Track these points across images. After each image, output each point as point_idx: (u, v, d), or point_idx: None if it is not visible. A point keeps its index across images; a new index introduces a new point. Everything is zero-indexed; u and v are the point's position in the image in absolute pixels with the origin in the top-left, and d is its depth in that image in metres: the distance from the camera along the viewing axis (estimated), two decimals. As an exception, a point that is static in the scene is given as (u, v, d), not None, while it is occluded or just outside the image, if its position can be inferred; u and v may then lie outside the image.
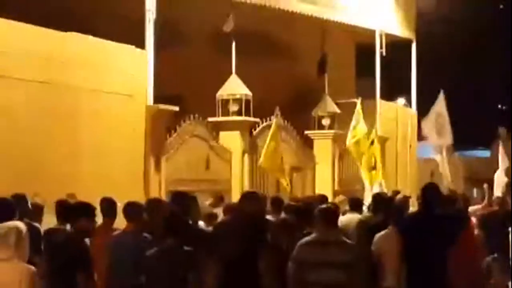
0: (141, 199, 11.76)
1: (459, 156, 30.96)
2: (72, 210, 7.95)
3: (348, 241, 7.73)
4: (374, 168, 17.41)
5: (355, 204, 10.82)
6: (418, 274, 8.16)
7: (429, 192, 8.82)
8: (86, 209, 7.65)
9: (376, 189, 16.28)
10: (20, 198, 8.71)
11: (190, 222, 8.21)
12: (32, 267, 5.68)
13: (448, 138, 18.96)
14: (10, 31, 12.64)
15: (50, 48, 13.30)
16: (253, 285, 7.53)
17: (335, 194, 17.47)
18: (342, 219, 9.55)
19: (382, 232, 8.53)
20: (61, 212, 8.82)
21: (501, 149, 19.45)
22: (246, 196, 8.58)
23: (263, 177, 17.80)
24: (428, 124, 18.78)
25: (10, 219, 6.56)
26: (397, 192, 13.96)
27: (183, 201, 8.50)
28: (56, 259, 6.43)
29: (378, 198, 10.80)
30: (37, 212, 9.22)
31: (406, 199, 11.71)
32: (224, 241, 7.80)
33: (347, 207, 10.81)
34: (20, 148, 11.89)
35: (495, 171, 19.24)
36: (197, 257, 7.33)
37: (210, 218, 9.91)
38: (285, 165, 17.40)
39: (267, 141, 16.53)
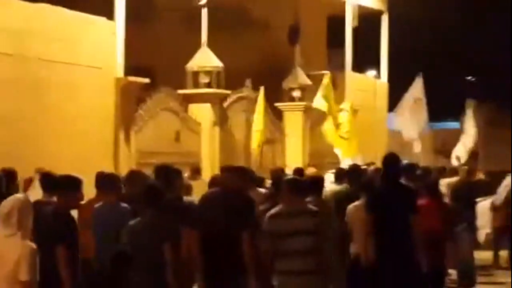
0: (111, 170, 11.91)
1: (430, 128, 31.32)
2: (59, 183, 8.02)
3: (313, 210, 7.78)
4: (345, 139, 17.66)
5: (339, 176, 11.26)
6: (384, 242, 8.48)
7: (389, 163, 9.08)
8: (73, 182, 7.77)
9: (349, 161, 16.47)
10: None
11: (173, 194, 8.28)
12: (33, 245, 5.66)
13: (422, 124, 18.90)
14: None
15: (19, 20, 13.17)
16: (236, 258, 7.69)
17: (307, 166, 17.64)
18: (326, 191, 9.97)
19: (355, 203, 9.13)
20: (47, 184, 8.66)
21: (466, 119, 19.49)
22: (231, 170, 8.79)
23: (233, 149, 17.91)
24: (403, 112, 18.64)
25: None
26: (371, 164, 14.18)
27: (166, 174, 8.55)
28: (42, 232, 6.41)
29: (353, 169, 11.16)
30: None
31: (377, 170, 11.75)
32: (209, 214, 7.89)
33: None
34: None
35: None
36: (177, 229, 7.62)
37: (187, 190, 9.92)
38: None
39: (260, 113, 17.06)
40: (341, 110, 17.75)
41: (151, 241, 7.39)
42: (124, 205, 8.31)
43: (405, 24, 25.89)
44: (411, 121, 18.63)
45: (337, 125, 17.51)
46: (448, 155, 19.92)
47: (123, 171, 13.60)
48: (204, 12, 17.57)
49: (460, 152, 18.31)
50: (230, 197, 7.91)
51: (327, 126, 17.74)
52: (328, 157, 19.38)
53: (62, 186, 7.81)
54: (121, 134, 15.00)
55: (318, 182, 9.06)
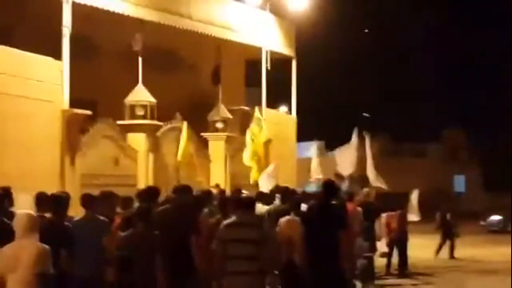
0: (58, 190, 11.72)
1: (331, 155, 31.73)
2: (53, 201, 8.44)
3: (258, 223, 8.41)
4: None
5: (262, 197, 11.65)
6: (315, 251, 8.65)
7: (328, 187, 9.25)
8: (62, 200, 8.47)
9: (264, 182, 16.65)
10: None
11: None
12: (47, 246, 6.35)
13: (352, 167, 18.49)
14: None
15: None
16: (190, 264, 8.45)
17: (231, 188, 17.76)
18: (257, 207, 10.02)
19: (287, 217, 9.59)
20: (41, 203, 8.63)
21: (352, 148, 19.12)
22: (180, 189, 9.37)
23: (165, 173, 17.78)
24: (342, 157, 18.45)
25: None
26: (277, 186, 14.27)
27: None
28: (44, 240, 6.59)
29: (285, 191, 11.43)
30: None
31: (304, 193, 12.46)
32: (165, 228, 8.39)
33: None
34: None
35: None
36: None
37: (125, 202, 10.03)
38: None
39: (184, 141, 17.09)
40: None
41: (142, 249, 7.93)
42: (103, 218, 8.65)
43: (311, 68, 26.31)
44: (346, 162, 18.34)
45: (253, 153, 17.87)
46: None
47: (69, 190, 13.54)
48: (140, 55, 17.63)
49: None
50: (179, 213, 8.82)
51: (245, 155, 18.11)
52: (246, 179, 19.57)
53: (55, 203, 8.35)
54: (67, 158, 14.79)
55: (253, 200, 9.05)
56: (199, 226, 8.71)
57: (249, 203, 8.41)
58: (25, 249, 6.39)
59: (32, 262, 6.32)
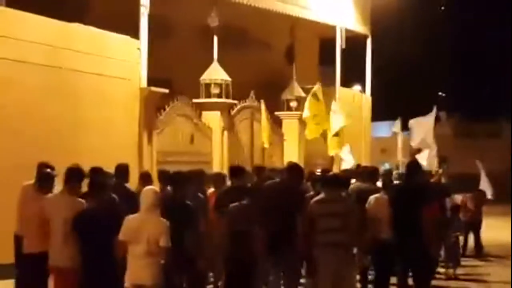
0: (135, 168, 11.92)
1: (407, 135, 31.25)
2: (173, 178, 8.91)
3: (343, 198, 8.95)
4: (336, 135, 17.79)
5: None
6: (402, 226, 9.18)
7: (411, 167, 9.87)
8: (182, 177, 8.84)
9: (346, 156, 16.51)
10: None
11: None
12: (167, 222, 7.03)
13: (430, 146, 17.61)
14: (24, 22, 12.56)
15: (58, 37, 13.23)
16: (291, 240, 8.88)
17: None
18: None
19: (377, 195, 9.86)
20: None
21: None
22: (289, 167, 9.75)
23: (239, 151, 17.89)
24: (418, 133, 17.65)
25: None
26: (359, 165, 14.20)
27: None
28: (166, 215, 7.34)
29: (373, 171, 11.38)
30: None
31: (389, 171, 12.12)
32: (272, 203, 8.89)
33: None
34: (31, 124, 11.85)
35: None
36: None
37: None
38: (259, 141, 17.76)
39: (265, 122, 17.38)
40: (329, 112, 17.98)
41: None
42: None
43: (386, 46, 25.92)
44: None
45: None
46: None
47: (146, 167, 13.74)
48: (215, 33, 17.70)
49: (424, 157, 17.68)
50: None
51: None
52: (319, 158, 19.45)
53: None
54: (144, 136, 14.97)
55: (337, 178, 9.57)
56: (305, 205, 8.99)
57: (335, 180, 9.06)
58: (150, 223, 6.99)
59: (157, 236, 6.94)
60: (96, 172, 8.54)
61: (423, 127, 16.10)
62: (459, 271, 12.87)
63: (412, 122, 16.59)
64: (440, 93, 37.70)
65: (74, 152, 12.49)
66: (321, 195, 8.84)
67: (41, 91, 12.37)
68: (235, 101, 18.02)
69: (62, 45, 13.24)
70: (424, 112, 17.43)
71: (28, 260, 7.91)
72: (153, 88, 15.18)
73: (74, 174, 7.79)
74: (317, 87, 18.12)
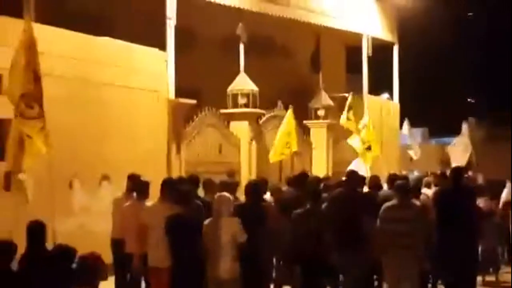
0: (164, 177, 11.91)
1: (435, 143, 30.98)
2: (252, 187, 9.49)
3: (414, 204, 9.45)
4: (369, 149, 17.54)
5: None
6: (451, 226, 9.78)
7: (457, 173, 10.57)
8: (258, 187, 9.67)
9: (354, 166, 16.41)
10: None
11: None
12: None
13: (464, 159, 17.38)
14: (53, 36, 12.64)
15: (87, 50, 13.36)
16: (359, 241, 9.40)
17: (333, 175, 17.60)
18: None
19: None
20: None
21: (464, 134, 18.52)
22: (350, 174, 10.54)
23: (267, 160, 17.63)
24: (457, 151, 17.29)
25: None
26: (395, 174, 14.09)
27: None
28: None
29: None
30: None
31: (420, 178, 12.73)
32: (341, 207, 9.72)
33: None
34: (62, 136, 11.82)
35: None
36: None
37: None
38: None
39: (293, 129, 16.92)
40: (362, 126, 17.72)
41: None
42: None
43: (413, 53, 25.76)
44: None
45: (361, 140, 17.53)
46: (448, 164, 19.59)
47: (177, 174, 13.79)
48: (241, 43, 17.74)
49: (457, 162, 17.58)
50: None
51: (352, 140, 17.75)
52: (347, 166, 19.32)
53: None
54: (173, 146, 15.04)
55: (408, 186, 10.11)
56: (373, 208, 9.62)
57: (405, 188, 9.59)
58: (228, 226, 8.12)
59: (234, 234, 8.09)
60: (184, 181, 9.72)
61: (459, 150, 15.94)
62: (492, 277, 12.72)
63: (449, 149, 16.39)
64: (469, 100, 37.27)
65: (104, 162, 12.65)
66: (393, 201, 9.41)
67: (71, 104, 12.44)
68: (263, 111, 18.02)
69: (91, 58, 13.34)
70: (451, 117, 17.31)
71: (128, 259, 8.98)
72: (181, 100, 15.28)
73: (168, 185, 8.93)
74: (350, 99, 17.90)
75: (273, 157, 16.64)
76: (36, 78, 9.21)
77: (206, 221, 8.23)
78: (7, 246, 6.64)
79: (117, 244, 9.51)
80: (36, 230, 6.90)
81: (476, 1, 37.70)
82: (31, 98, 9.11)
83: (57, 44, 12.71)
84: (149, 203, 9.20)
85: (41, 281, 6.53)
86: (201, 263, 8.20)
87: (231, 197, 8.61)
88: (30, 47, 9.24)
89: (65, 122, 11.97)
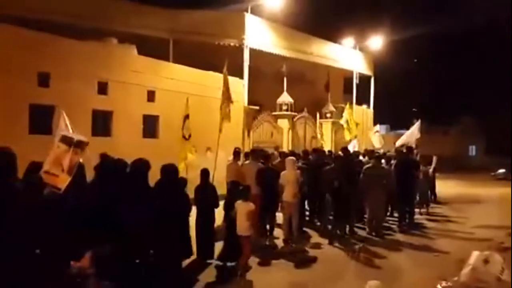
0: (243, 150, 11.98)
1: (393, 133, 30.91)
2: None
3: (383, 166, 9.51)
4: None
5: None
6: (401, 186, 9.63)
7: (408, 149, 10.53)
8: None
9: (353, 144, 15.97)
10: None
11: None
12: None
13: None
14: (181, 72, 13.16)
15: (202, 79, 13.57)
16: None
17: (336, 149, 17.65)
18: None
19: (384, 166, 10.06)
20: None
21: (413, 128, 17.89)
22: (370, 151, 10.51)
23: (298, 141, 17.89)
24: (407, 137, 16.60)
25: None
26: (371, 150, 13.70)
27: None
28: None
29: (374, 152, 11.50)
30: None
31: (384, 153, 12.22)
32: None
33: None
34: (195, 128, 10.93)
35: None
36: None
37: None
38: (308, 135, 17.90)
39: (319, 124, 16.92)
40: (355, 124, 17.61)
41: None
42: None
43: (382, 82, 25.82)
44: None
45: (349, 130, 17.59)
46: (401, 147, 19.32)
47: (247, 149, 13.64)
48: (284, 76, 17.97)
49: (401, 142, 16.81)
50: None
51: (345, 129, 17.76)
52: (342, 144, 19.47)
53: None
54: (245, 133, 15.24)
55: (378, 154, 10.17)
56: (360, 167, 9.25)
57: (375, 155, 9.66)
58: (294, 174, 8.02)
59: (298, 176, 8.01)
60: (259, 151, 9.47)
61: (407, 135, 15.50)
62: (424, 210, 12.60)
63: (405, 136, 15.66)
64: (414, 109, 36.99)
65: (211, 141, 12.68)
66: (370, 163, 9.25)
67: (197, 110, 12.01)
68: (296, 113, 18.03)
69: (206, 84, 13.45)
70: (405, 119, 17.21)
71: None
72: (251, 107, 15.55)
73: (256, 152, 9.05)
74: (348, 107, 17.67)
75: (348, 136, 16.23)
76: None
77: (283, 172, 8.14)
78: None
79: (229, 184, 8.78)
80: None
81: (419, 50, 37.16)
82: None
83: (188, 77, 13.04)
84: (245, 162, 9.17)
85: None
86: (278, 193, 8.18)
87: (294, 158, 8.51)
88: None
89: (197, 120, 12.12)
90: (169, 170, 5.38)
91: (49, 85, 10.25)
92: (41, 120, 9.76)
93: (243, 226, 6.38)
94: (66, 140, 3.67)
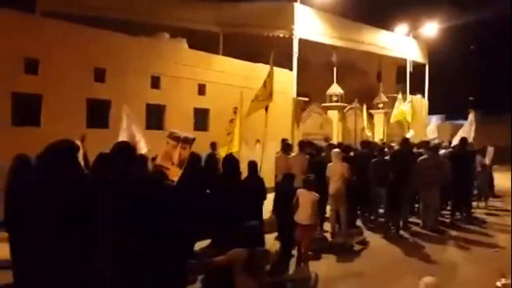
0: (292, 141, 12.02)
1: (449, 123, 29.71)
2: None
3: (438, 157, 9.07)
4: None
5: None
6: (460, 171, 9.37)
7: (463, 141, 9.95)
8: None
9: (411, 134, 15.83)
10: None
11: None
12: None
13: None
14: (231, 64, 13.15)
15: (248, 72, 13.47)
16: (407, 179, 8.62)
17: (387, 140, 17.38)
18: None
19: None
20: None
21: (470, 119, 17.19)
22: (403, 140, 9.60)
23: (348, 132, 17.83)
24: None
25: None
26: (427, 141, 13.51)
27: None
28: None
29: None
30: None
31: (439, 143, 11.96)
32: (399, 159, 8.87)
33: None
34: (249, 120, 11.74)
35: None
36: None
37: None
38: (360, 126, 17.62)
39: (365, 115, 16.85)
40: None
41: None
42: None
43: (436, 70, 24.86)
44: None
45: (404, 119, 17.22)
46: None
47: (296, 141, 13.90)
48: (335, 65, 17.81)
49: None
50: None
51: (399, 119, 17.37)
52: (396, 136, 19.06)
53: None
54: (295, 124, 15.20)
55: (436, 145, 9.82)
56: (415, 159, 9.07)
57: (431, 146, 9.41)
58: (340, 166, 7.91)
59: (345, 170, 7.92)
60: (308, 143, 9.56)
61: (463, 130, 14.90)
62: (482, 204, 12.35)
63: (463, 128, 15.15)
64: (470, 98, 35.30)
65: (255, 132, 12.55)
66: (426, 155, 9.06)
67: (245, 102, 12.12)
68: (346, 104, 17.93)
69: (255, 76, 13.16)
70: (461, 109, 16.60)
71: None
72: (300, 98, 15.42)
73: (304, 144, 8.99)
74: (399, 97, 17.43)
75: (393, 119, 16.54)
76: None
77: (329, 164, 8.07)
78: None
79: (283, 176, 8.49)
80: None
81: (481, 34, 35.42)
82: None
83: (237, 69, 13.06)
84: (292, 154, 9.04)
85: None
86: (326, 184, 8.02)
87: (339, 150, 8.40)
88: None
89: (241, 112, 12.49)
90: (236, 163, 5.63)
91: (105, 80, 10.56)
92: (98, 114, 10.12)
93: (305, 215, 6.32)
94: (174, 136, 3.89)
